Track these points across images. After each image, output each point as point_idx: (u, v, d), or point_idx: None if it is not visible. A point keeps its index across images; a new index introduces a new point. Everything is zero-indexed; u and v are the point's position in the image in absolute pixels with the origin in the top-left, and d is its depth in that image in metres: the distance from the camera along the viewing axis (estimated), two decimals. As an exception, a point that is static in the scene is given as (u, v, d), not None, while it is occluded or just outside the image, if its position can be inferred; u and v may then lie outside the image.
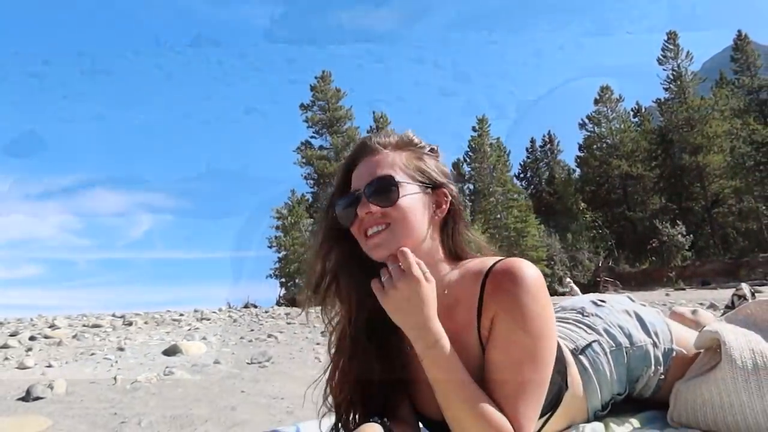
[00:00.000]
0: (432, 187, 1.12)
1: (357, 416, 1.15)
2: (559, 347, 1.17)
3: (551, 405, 1.15)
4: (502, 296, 1.02)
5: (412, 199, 1.08)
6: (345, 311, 1.15)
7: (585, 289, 29.35)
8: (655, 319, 1.40)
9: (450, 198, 1.13)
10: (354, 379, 1.15)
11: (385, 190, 1.06)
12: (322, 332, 1.24)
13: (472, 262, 1.14)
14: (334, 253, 1.14)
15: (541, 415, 1.14)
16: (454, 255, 1.16)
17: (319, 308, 1.18)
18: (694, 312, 1.81)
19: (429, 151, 1.17)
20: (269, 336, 7.83)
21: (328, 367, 1.19)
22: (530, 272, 1.02)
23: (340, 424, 1.16)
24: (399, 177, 1.08)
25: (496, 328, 1.02)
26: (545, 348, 1.02)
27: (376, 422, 1.04)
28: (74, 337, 7.89)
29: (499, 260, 1.08)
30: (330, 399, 1.17)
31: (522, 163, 53.68)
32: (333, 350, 1.19)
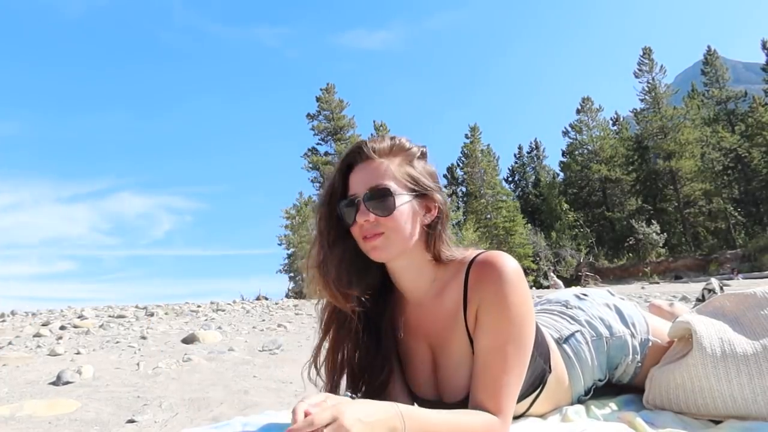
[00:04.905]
0: (421, 193, 1.09)
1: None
2: (541, 333, 1.18)
3: (535, 386, 1.15)
4: (485, 287, 1.02)
5: (405, 208, 1.06)
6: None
7: (568, 282, 29.36)
8: (632, 311, 1.40)
9: (438, 204, 1.11)
10: (341, 358, 1.14)
11: (382, 201, 1.04)
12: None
13: (454, 255, 1.13)
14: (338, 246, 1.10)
15: (527, 395, 1.14)
16: (438, 252, 1.13)
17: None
18: (671, 304, 1.81)
19: (420, 154, 1.14)
20: (279, 326, 7.81)
21: (319, 344, 1.16)
22: (510, 263, 1.02)
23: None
24: (393, 187, 1.06)
25: (482, 317, 1.02)
26: (526, 332, 1.02)
27: (346, 396, 0.99)
28: (101, 326, 7.88)
29: (480, 253, 1.08)
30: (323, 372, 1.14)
31: (510, 168, 53.74)
32: (322, 327, 1.16)
